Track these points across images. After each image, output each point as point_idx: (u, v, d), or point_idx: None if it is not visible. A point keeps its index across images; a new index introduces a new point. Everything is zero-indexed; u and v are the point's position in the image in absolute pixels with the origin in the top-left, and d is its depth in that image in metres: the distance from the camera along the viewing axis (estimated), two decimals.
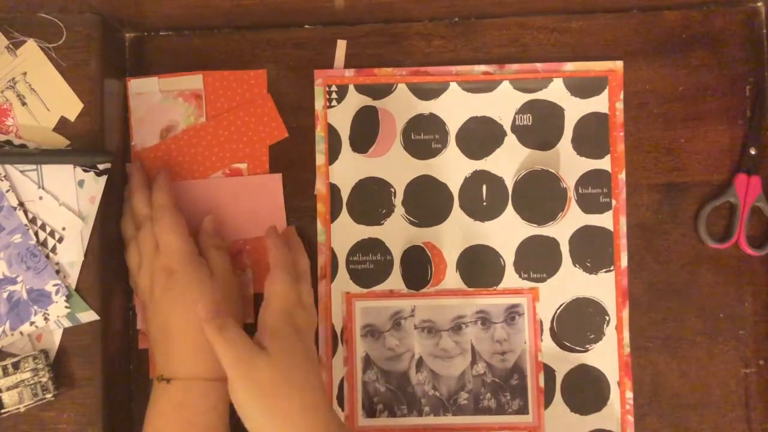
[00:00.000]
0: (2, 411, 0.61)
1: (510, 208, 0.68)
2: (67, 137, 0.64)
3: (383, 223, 0.69)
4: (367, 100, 0.69)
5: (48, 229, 0.63)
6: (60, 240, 0.63)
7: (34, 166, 0.63)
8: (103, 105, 0.65)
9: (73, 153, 0.63)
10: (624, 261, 0.68)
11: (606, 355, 0.68)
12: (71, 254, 0.63)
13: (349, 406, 0.68)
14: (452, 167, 0.69)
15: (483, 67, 0.69)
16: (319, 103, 0.69)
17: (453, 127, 0.69)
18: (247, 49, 0.70)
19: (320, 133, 0.69)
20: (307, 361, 0.60)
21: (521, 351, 0.68)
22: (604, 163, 0.68)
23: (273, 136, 0.69)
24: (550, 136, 0.69)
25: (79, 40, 0.64)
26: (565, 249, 0.68)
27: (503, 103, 0.69)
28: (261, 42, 0.70)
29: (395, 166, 0.69)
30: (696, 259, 0.68)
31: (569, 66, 0.69)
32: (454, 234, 0.69)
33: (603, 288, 0.68)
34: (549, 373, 0.68)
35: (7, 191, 0.62)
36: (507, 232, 0.68)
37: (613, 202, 0.68)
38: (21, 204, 0.63)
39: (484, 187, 0.69)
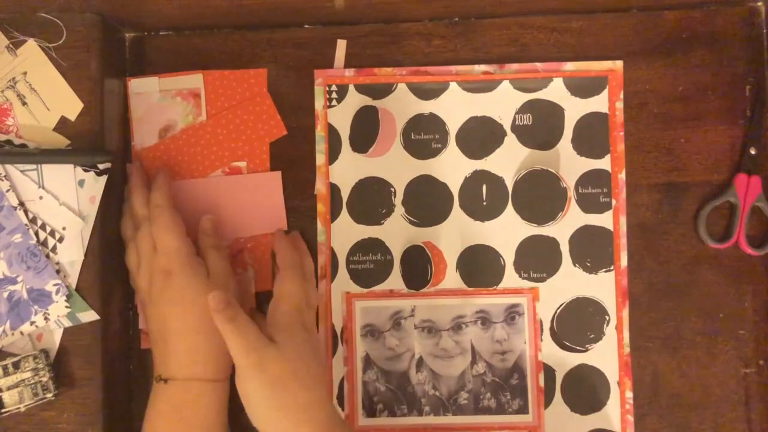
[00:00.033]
0: (2, 410, 0.61)
1: (510, 207, 0.68)
2: (67, 137, 0.64)
3: (383, 223, 0.69)
4: (367, 100, 0.69)
5: (48, 229, 0.63)
6: (60, 240, 0.63)
7: (34, 166, 0.63)
8: (103, 105, 0.65)
9: (73, 153, 0.63)
10: (624, 261, 0.68)
11: (606, 355, 0.68)
12: (71, 254, 0.63)
13: (349, 406, 0.68)
14: (452, 167, 0.69)
15: (483, 67, 0.69)
16: (319, 103, 0.69)
17: (453, 126, 0.69)
18: (247, 48, 0.70)
19: (320, 132, 0.69)
20: (315, 357, 0.60)
21: (521, 351, 0.68)
22: (604, 163, 0.68)
23: (272, 133, 0.69)
24: (550, 135, 0.69)
25: (79, 40, 0.64)
26: (565, 249, 0.68)
27: (503, 103, 0.69)
28: (261, 42, 0.70)
29: (395, 166, 0.69)
30: (696, 259, 0.68)
31: (569, 66, 0.69)
32: (454, 234, 0.69)
33: (603, 288, 0.68)
34: (549, 372, 0.68)
35: (8, 191, 0.62)
36: (507, 231, 0.68)
37: (613, 202, 0.68)
38: (21, 204, 0.63)
39: (484, 187, 0.69)
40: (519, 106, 0.69)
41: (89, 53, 0.64)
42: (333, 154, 0.69)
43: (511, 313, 0.68)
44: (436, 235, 0.69)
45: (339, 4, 0.65)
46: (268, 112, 0.69)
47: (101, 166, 0.64)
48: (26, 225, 0.62)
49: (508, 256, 0.68)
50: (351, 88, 0.69)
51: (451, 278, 0.68)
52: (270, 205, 0.69)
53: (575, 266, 0.68)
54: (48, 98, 0.64)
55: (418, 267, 0.68)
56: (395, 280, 0.68)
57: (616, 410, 0.67)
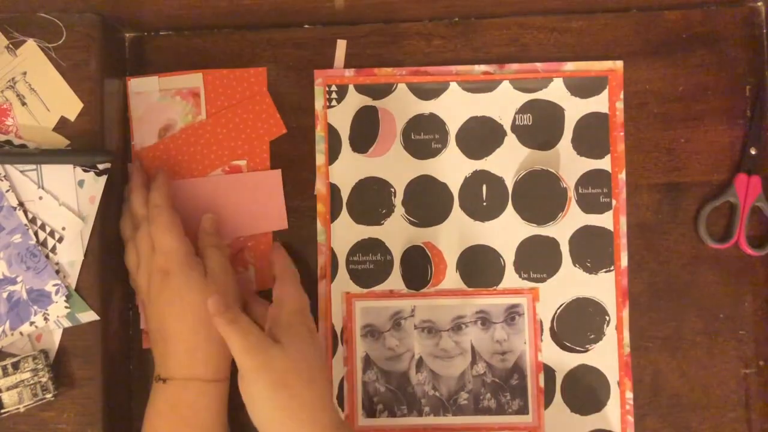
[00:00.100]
0: (2, 411, 0.61)
1: (510, 208, 0.68)
2: (67, 137, 0.64)
3: (383, 223, 0.69)
4: (367, 100, 0.69)
5: (48, 229, 0.63)
6: (60, 240, 0.63)
7: (34, 166, 0.63)
8: (103, 105, 0.65)
9: (73, 153, 0.63)
10: (624, 261, 0.68)
11: (606, 355, 0.68)
12: (71, 254, 0.63)
13: (349, 406, 0.68)
14: (452, 167, 0.69)
15: (483, 67, 0.69)
16: (319, 103, 0.69)
17: (453, 127, 0.69)
18: (247, 48, 0.70)
19: (320, 132, 0.69)
20: (318, 358, 0.60)
21: (521, 351, 0.68)
22: (604, 163, 0.68)
23: (272, 132, 0.69)
24: (550, 135, 0.69)
25: (79, 40, 0.64)
26: (565, 249, 0.68)
27: (503, 103, 0.69)
28: (261, 42, 0.70)
29: (395, 166, 0.69)
30: (696, 259, 0.68)
31: (569, 66, 0.69)
32: (454, 234, 0.69)
33: (603, 288, 0.68)
34: (549, 373, 0.68)
35: (7, 191, 0.62)
36: (507, 232, 0.68)
37: (613, 202, 0.68)
38: (21, 204, 0.63)
39: (484, 187, 0.69)
40: (519, 106, 0.69)
41: (89, 53, 0.64)
42: (333, 154, 0.69)
43: (511, 314, 0.68)
44: (436, 235, 0.69)
45: (339, 4, 0.65)
46: (268, 110, 0.69)
47: (101, 166, 0.64)
48: (26, 225, 0.62)
49: (508, 257, 0.68)
50: (351, 88, 0.69)
51: (451, 278, 0.68)
52: (270, 204, 0.69)
53: (575, 266, 0.68)
54: (48, 98, 0.64)
55: (418, 267, 0.68)
56: (395, 281, 0.68)
57: (616, 410, 0.67)
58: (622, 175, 0.68)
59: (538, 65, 0.69)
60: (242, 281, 0.68)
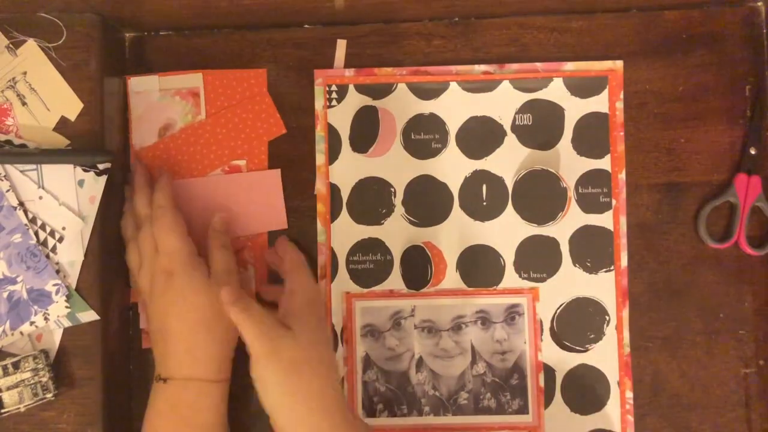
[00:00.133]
0: (2, 411, 0.61)
1: (510, 207, 0.68)
2: (67, 137, 0.64)
3: (383, 223, 0.69)
4: (367, 100, 0.69)
5: (48, 229, 0.63)
6: (60, 240, 0.63)
7: (34, 166, 0.63)
8: (103, 105, 0.65)
9: (73, 153, 0.63)
10: (624, 261, 0.68)
11: (606, 355, 0.68)
12: (71, 254, 0.63)
13: (349, 406, 0.68)
14: (452, 167, 0.69)
15: (483, 67, 0.69)
16: (319, 103, 0.69)
17: (453, 126, 0.69)
18: (247, 48, 0.70)
19: (320, 132, 0.69)
20: (328, 348, 0.61)
21: (521, 351, 0.68)
22: (604, 163, 0.68)
23: (271, 132, 0.69)
24: (550, 135, 0.69)
25: (79, 40, 0.64)
26: (565, 249, 0.68)
27: (503, 103, 0.69)
28: (261, 42, 0.70)
29: (395, 166, 0.69)
30: (696, 259, 0.68)
31: (569, 66, 0.69)
32: (454, 234, 0.69)
33: (603, 288, 0.68)
34: (549, 373, 0.68)
35: (7, 191, 0.62)
36: (507, 231, 0.68)
37: (613, 202, 0.68)
38: (21, 204, 0.63)
39: (484, 187, 0.69)
40: (519, 106, 0.69)
41: (89, 53, 0.64)
42: (333, 154, 0.69)
43: (511, 313, 0.68)
44: (436, 235, 0.69)
45: (339, 4, 0.65)
46: (267, 110, 0.69)
47: (101, 166, 0.64)
48: (26, 225, 0.62)
49: (508, 256, 0.68)
50: (351, 88, 0.69)
51: (451, 278, 0.68)
52: (270, 203, 0.69)
53: (575, 266, 0.68)
54: (48, 98, 0.64)
55: (418, 267, 0.68)
56: (395, 280, 0.68)
57: (616, 410, 0.67)
58: (622, 175, 0.68)
59: (538, 65, 0.69)
60: (242, 281, 0.68)
